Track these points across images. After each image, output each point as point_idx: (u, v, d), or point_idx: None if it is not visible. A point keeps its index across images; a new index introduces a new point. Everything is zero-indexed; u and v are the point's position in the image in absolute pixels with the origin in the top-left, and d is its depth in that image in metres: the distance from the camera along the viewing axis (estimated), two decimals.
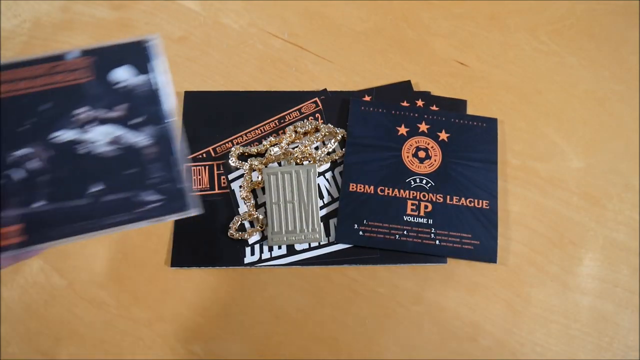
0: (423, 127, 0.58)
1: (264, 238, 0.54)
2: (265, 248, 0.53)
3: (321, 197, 0.55)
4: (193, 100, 0.59)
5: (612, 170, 0.57)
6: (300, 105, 0.59)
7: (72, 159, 0.44)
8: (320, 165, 0.56)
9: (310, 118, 0.58)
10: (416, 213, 0.54)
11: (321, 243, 0.53)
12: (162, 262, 0.53)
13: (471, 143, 0.57)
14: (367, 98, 0.60)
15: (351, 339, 0.50)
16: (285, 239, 0.53)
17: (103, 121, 0.45)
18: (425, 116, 0.58)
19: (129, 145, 0.44)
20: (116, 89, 0.46)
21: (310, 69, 0.62)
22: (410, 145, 0.57)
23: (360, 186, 0.55)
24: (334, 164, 0.57)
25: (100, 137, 0.44)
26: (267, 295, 0.52)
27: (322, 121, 0.58)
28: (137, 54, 0.47)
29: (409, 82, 0.61)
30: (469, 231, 0.53)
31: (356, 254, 0.53)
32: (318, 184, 0.56)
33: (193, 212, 0.43)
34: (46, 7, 0.66)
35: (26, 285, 0.52)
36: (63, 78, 0.45)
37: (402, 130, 0.57)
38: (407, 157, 0.56)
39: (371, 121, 0.57)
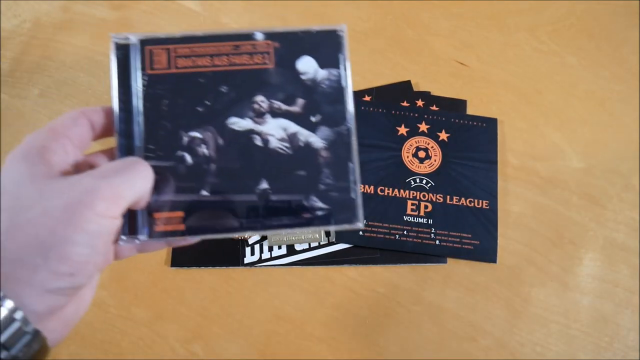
0: (423, 127, 0.58)
1: (264, 238, 0.54)
2: (265, 248, 0.53)
3: None
4: None
5: (612, 170, 0.57)
6: None
7: (244, 150, 0.40)
8: None
9: None
10: (416, 213, 0.54)
11: (321, 243, 0.53)
12: (162, 262, 0.53)
13: (471, 143, 0.57)
14: (367, 98, 0.60)
15: (351, 339, 0.50)
16: (285, 238, 0.53)
17: (281, 114, 0.40)
18: (425, 116, 0.58)
19: (304, 145, 0.40)
20: (301, 80, 0.41)
21: None
22: (410, 145, 0.57)
23: (360, 186, 0.55)
24: None
25: (275, 131, 0.40)
26: (267, 295, 0.52)
27: None
28: (327, 44, 0.42)
29: (409, 82, 0.61)
30: (469, 231, 0.53)
31: (356, 254, 0.53)
32: None
33: (360, 225, 0.40)
34: (46, 7, 0.66)
35: None
36: (246, 60, 0.41)
37: (402, 130, 0.57)
38: (407, 157, 0.56)
39: (371, 121, 0.57)
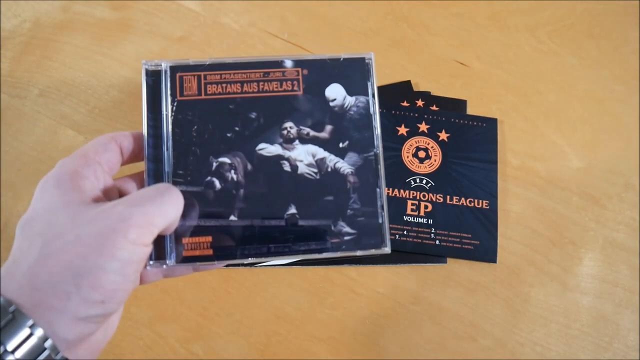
0: (423, 127, 0.58)
1: None
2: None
3: None
4: None
5: (612, 170, 0.57)
6: None
7: (273, 176, 0.40)
8: None
9: None
10: (416, 213, 0.54)
11: None
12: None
13: (471, 143, 0.57)
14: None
15: (351, 339, 0.50)
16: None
17: (309, 140, 0.41)
18: (425, 116, 0.58)
19: (332, 170, 0.41)
20: (329, 106, 0.42)
21: None
22: (410, 145, 0.57)
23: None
24: None
25: (304, 156, 0.41)
26: (267, 295, 0.52)
27: None
28: (355, 71, 0.43)
29: (409, 82, 0.61)
30: (469, 231, 0.53)
31: None
32: None
33: (387, 250, 0.40)
34: (46, 7, 0.66)
35: None
36: (276, 87, 0.42)
37: (402, 130, 0.57)
38: (407, 157, 0.56)
39: None
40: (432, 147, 0.57)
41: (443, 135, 0.57)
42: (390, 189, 0.55)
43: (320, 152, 0.41)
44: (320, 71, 0.42)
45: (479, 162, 0.56)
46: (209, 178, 0.39)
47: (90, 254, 0.28)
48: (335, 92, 0.42)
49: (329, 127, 0.41)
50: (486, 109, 0.60)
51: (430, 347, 0.50)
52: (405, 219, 0.54)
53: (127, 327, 0.50)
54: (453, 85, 0.61)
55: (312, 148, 0.41)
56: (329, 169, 0.41)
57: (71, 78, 0.62)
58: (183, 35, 0.64)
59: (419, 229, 0.53)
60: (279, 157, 0.40)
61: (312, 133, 0.41)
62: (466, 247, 0.53)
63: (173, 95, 0.40)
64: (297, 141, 0.41)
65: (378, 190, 0.41)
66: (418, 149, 0.57)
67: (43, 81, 0.61)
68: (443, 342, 0.50)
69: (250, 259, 0.39)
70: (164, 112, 0.40)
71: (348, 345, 0.50)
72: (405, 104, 0.59)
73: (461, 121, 0.58)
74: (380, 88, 0.60)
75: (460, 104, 0.60)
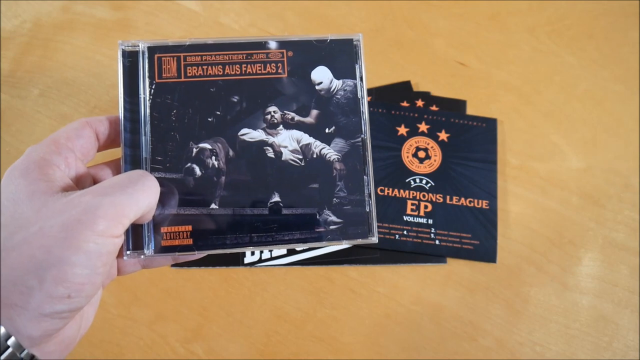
0: (423, 127, 0.58)
1: None
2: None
3: None
4: None
5: (612, 170, 0.57)
6: None
7: (256, 163, 0.38)
8: None
9: None
10: (416, 213, 0.54)
11: None
12: None
13: (471, 143, 0.57)
14: (367, 98, 0.60)
15: (351, 339, 0.50)
16: None
17: (294, 125, 0.39)
18: (425, 116, 0.58)
19: (317, 157, 0.39)
20: (315, 90, 0.40)
21: None
22: (410, 145, 0.57)
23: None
24: None
25: (288, 142, 0.39)
26: (267, 295, 0.52)
27: None
28: (342, 53, 0.40)
29: (409, 82, 0.61)
30: (468, 231, 0.53)
31: (356, 254, 0.53)
32: None
33: (374, 239, 0.39)
34: (46, 7, 0.66)
35: None
36: (259, 69, 0.39)
37: (402, 130, 0.57)
38: (407, 157, 0.56)
39: (371, 121, 0.57)
40: (432, 147, 0.57)
41: (443, 136, 0.57)
42: (390, 189, 0.55)
43: (306, 138, 0.39)
44: (306, 53, 0.40)
45: (478, 162, 0.56)
46: (188, 164, 0.37)
47: (54, 246, 0.26)
48: (322, 75, 0.40)
49: (314, 112, 0.40)
50: (486, 109, 0.60)
51: (430, 347, 0.50)
52: (405, 219, 0.54)
53: (127, 327, 0.50)
54: (453, 85, 0.61)
55: (296, 134, 0.39)
56: (315, 156, 0.39)
57: (71, 78, 0.62)
58: (183, 35, 0.64)
59: (419, 229, 0.53)
60: (262, 143, 0.39)
61: (297, 118, 0.39)
62: (466, 247, 0.53)
63: (151, 77, 0.38)
64: (281, 126, 0.39)
65: (365, 177, 0.39)
66: (418, 149, 0.57)
67: (43, 81, 0.61)
68: (443, 342, 0.50)
69: (232, 248, 0.37)
70: (142, 95, 0.38)
71: (348, 345, 0.50)
72: (405, 104, 0.59)
73: (461, 121, 0.58)
74: (380, 88, 0.61)
75: (460, 104, 0.60)
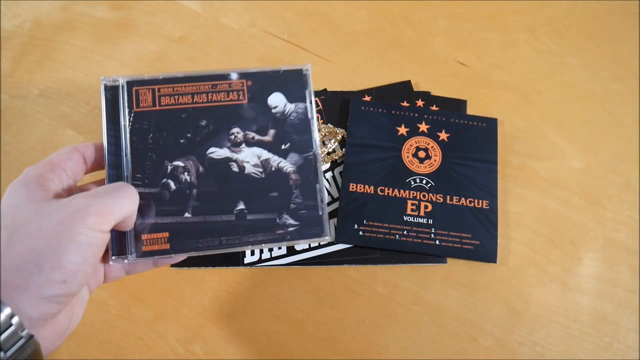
0: (423, 127, 0.58)
1: None
2: (265, 248, 0.53)
3: None
4: None
5: (612, 170, 0.57)
6: None
7: (222, 177, 0.44)
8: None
9: None
10: (416, 213, 0.54)
11: (321, 243, 0.53)
12: None
13: (471, 143, 0.57)
14: (367, 98, 0.60)
15: (351, 339, 0.50)
16: None
17: (255, 143, 0.46)
18: (425, 116, 0.58)
19: (275, 170, 0.45)
20: (272, 113, 0.46)
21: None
22: (410, 145, 0.57)
23: (360, 186, 0.55)
24: (334, 164, 0.57)
25: (250, 158, 0.45)
26: (267, 295, 0.52)
27: (322, 121, 0.58)
28: (294, 81, 0.47)
29: (409, 82, 0.61)
30: (468, 231, 0.53)
31: (356, 254, 0.53)
32: None
33: (327, 238, 0.45)
34: (46, 7, 0.66)
35: None
36: (223, 97, 0.46)
37: (402, 130, 0.57)
38: (407, 157, 0.56)
39: (371, 121, 0.57)
40: (432, 147, 0.57)
41: (443, 135, 0.57)
42: (390, 189, 0.55)
43: (265, 154, 0.45)
44: (263, 82, 0.47)
45: (479, 162, 0.56)
46: (164, 180, 0.43)
47: (51, 238, 0.31)
48: (277, 100, 0.47)
49: (272, 131, 0.46)
50: (486, 109, 0.60)
51: (430, 347, 0.50)
52: (405, 219, 0.54)
53: (127, 327, 0.50)
54: (453, 85, 0.61)
55: (257, 150, 0.45)
56: (273, 169, 0.45)
57: (71, 78, 0.62)
58: (183, 35, 0.64)
59: (419, 229, 0.53)
60: (228, 160, 0.45)
61: (257, 137, 0.46)
62: (466, 247, 0.53)
63: (130, 107, 0.44)
64: (243, 145, 0.45)
65: (317, 185, 0.45)
66: (418, 149, 0.57)
67: (43, 81, 0.61)
68: (443, 342, 0.50)
69: (204, 251, 0.43)
70: (122, 123, 0.44)
71: (348, 345, 0.50)
72: (405, 104, 0.59)
73: (461, 121, 0.58)
74: (380, 88, 0.61)
75: (460, 104, 0.60)
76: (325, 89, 0.60)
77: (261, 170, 0.45)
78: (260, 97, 0.47)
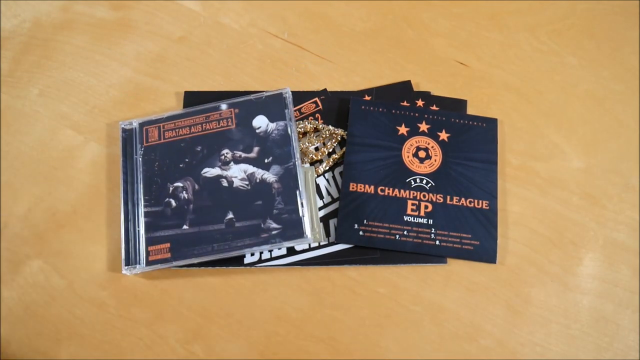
0: (423, 127, 0.58)
1: None
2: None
3: (321, 197, 0.55)
4: (193, 100, 0.59)
5: (612, 170, 0.57)
6: (300, 106, 0.59)
7: (214, 192, 0.52)
8: (320, 165, 0.56)
9: (310, 118, 0.58)
10: (416, 213, 0.54)
11: (321, 243, 0.53)
12: None
13: (471, 143, 0.57)
14: (367, 98, 0.60)
15: (351, 339, 0.50)
16: None
17: (241, 160, 0.53)
18: (426, 116, 0.58)
19: (260, 181, 0.52)
20: (256, 133, 0.54)
21: (310, 69, 0.62)
22: (411, 145, 0.57)
23: (361, 186, 0.55)
24: (334, 164, 0.57)
25: (238, 173, 0.52)
26: (267, 295, 0.52)
27: (322, 121, 0.58)
28: (275, 104, 0.55)
29: (409, 82, 0.61)
30: (468, 231, 0.53)
31: (356, 254, 0.53)
32: (318, 184, 0.56)
33: (308, 240, 0.50)
34: (46, 7, 0.66)
35: (26, 285, 0.52)
36: (214, 125, 0.54)
37: (403, 130, 0.57)
38: (407, 157, 0.56)
39: (371, 121, 0.57)
40: (432, 147, 0.57)
41: (443, 135, 0.57)
42: (391, 189, 0.55)
43: (250, 168, 0.52)
44: (248, 108, 0.55)
45: (479, 162, 0.56)
46: (167, 199, 0.52)
47: None
48: (260, 122, 0.54)
49: (256, 148, 0.53)
50: (486, 109, 0.60)
51: (430, 347, 0.50)
52: (405, 219, 0.54)
53: (127, 327, 0.50)
54: (453, 85, 0.61)
55: (243, 166, 0.52)
56: (258, 180, 0.52)
57: (71, 78, 0.62)
58: (183, 35, 0.64)
59: (419, 229, 0.53)
60: (219, 177, 0.52)
61: (243, 155, 0.53)
62: (466, 247, 0.53)
63: (141, 142, 0.55)
64: (232, 162, 0.53)
65: (297, 191, 0.51)
66: (418, 148, 0.57)
67: (43, 81, 0.61)
68: (443, 342, 0.50)
69: (200, 257, 0.49)
70: (135, 157, 0.54)
71: (348, 345, 0.50)
72: (405, 103, 0.59)
73: (461, 121, 0.58)
74: (380, 88, 0.61)
75: (460, 104, 0.60)
76: (325, 89, 0.60)
77: (247, 182, 0.52)
78: (246, 121, 0.54)
